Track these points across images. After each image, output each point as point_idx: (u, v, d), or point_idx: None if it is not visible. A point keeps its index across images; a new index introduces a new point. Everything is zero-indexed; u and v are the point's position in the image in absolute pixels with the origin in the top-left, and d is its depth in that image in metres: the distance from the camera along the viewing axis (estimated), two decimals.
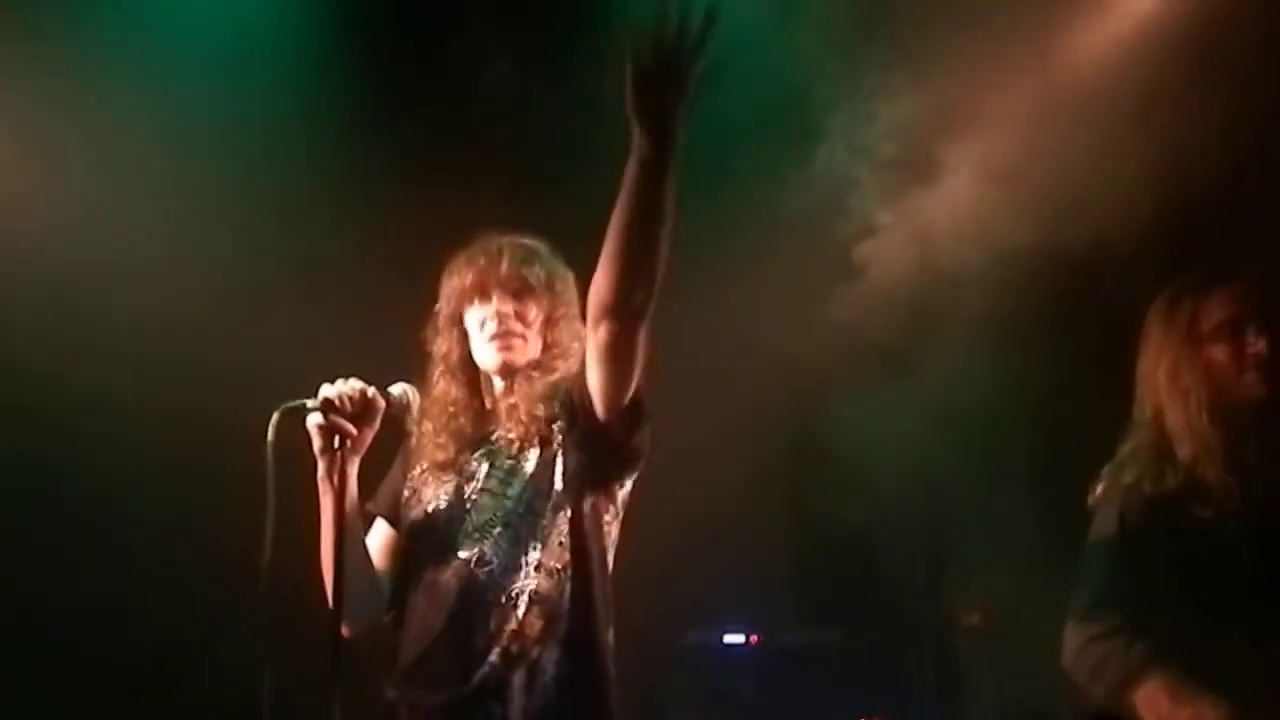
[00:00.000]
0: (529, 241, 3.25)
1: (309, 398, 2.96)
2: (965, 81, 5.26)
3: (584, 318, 2.99)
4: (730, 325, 5.35)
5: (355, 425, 2.98)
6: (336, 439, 2.96)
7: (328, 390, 2.98)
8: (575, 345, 3.18)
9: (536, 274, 3.19)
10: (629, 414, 3.00)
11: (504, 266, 3.18)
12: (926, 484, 5.71)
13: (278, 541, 2.77)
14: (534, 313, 3.19)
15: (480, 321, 3.19)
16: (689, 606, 5.49)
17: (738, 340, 5.34)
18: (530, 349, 3.19)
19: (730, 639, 5.48)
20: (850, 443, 5.53)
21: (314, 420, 2.96)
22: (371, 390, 3.02)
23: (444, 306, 3.24)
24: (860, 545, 5.70)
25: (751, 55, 5.29)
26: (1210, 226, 4.88)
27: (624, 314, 2.84)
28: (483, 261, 3.20)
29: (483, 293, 3.19)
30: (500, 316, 3.17)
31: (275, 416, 2.86)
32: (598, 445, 3.04)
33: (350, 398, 2.98)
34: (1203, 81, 4.97)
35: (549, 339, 3.20)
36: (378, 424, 3.05)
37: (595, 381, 2.96)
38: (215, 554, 4.67)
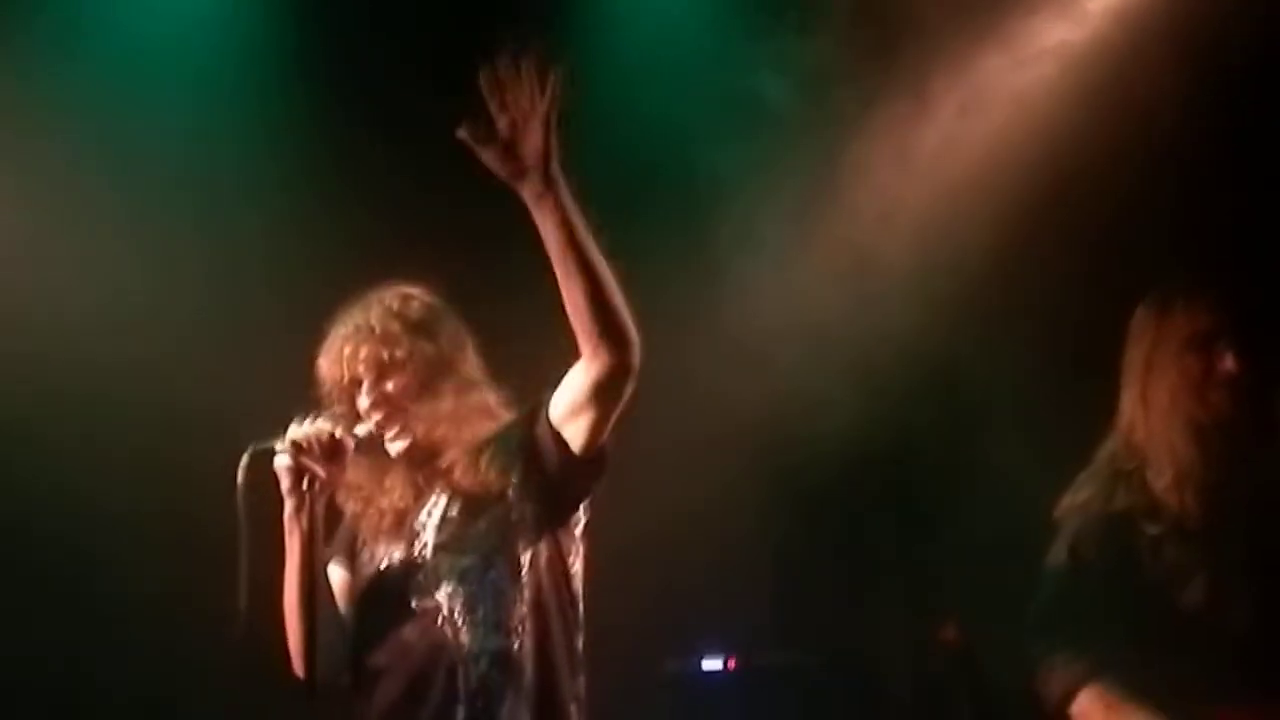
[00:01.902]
0: (379, 309, 3.17)
1: (278, 439, 2.97)
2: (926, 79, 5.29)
3: (480, 352, 3.08)
4: (704, 347, 5.35)
5: (323, 466, 2.98)
6: (305, 480, 2.96)
7: (295, 432, 2.98)
8: (473, 396, 3.15)
9: (386, 352, 3.11)
10: (597, 457, 3.00)
11: (355, 357, 3.11)
12: (902, 499, 5.73)
13: (251, 586, 2.77)
14: (406, 388, 3.12)
15: (365, 409, 3.13)
16: (665, 633, 5.47)
17: (712, 359, 5.34)
18: (422, 420, 3.13)
19: (708, 664, 5.46)
20: (825, 461, 5.55)
21: (282, 461, 2.96)
22: (339, 431, 3.02)
23: (330, 397, 3.16)
24: (836, 564, 5.71)
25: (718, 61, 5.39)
26: (1187, 234, 4.91)
27: (612, 348, 2.85)
28: (336, 353, 3.14)
29: (352, 383, 3.13)
30: (375, 407, 3.11)
31: (245, 459, 2.88)
32: (555, 492, 3.03)
33: (318, 439, 2.98)
34: (1174, 85, 5.02)
35: (435, 403, 3.13)
36: (346, 464, 3.05)
37: (574, 432, 2.95)
38: (186, 601, 4.66)
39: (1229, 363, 3.20)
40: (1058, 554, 3.29)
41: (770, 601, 5.68)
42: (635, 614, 5.10)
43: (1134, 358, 3.31)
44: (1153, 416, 3.24)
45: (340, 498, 3.15)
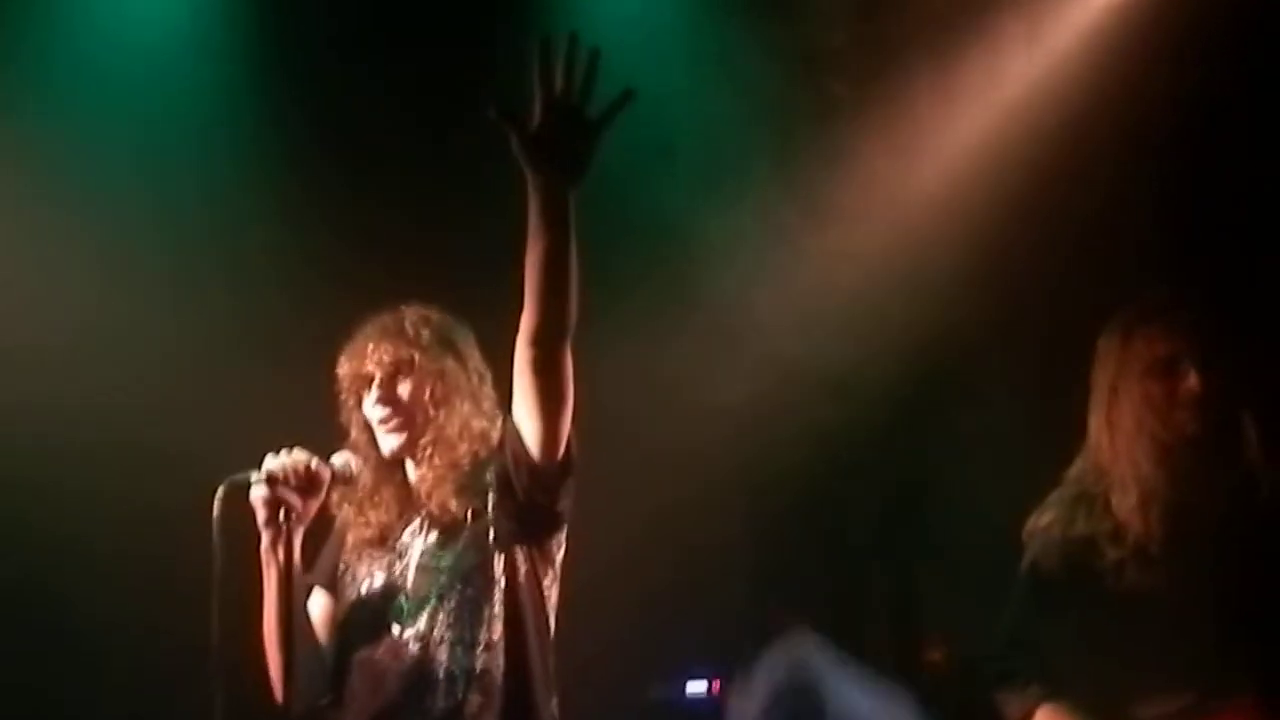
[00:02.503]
0: (415, 315, 3.21)
1: (254, 470, 2.94)
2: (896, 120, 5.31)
3: (495, 382, 3.06)
4: (683, 371, 5.35)
5: (300, 498, 2.96)
6: (281, 512, 2.94)
7: (271, 463, 2.96)
8: (477, 423, 3.16)
9: (418, 355, 3.14)
10: (563, 466, 2.99)
11: (381, 350, 3.14)
12: (887, 524, 5.73)
13: (225, 618, 2.74)
14: (419, 393, 3.14)
15: (370, 408, 3.16)
16: (649, 658, 5.46)
17: (691, 386, 5.33)
18: (420, 429, 3.14)
19: (693, 688, 5.44)
20: (806, 484, 5.55)
21: (258, 493, 2.94)
22: (315, 461, 3.00)
23: (344, 394, 3.20)
24: (821, 586, 5.70)
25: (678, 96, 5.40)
26: (1153, 255, 4.94)
27: (545, 339, 2.86)
28: (360, 348, 3.17)
29: (366, 379, 3.16)
30: (381, 402, 3.13)
31: (220, 490, 2.85)
32: (528, 511, 3.03)
33: (294, 470, 2.96)
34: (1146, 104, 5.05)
35: (440, 416, 3.15)
36: (323, 496, 3.04)
37: (530, 428, 2.97)
38: (158, 633, 4.63)
39: (1192, 383, 3.21)
40: (1021, 576, 3.31)
41: (755, 624, 5.65)
42: (620, 638, 5.09)
43: (1099, 382, 3.33)
44: (1118, 438, 3.25)
45: (332, 504, 3.15)
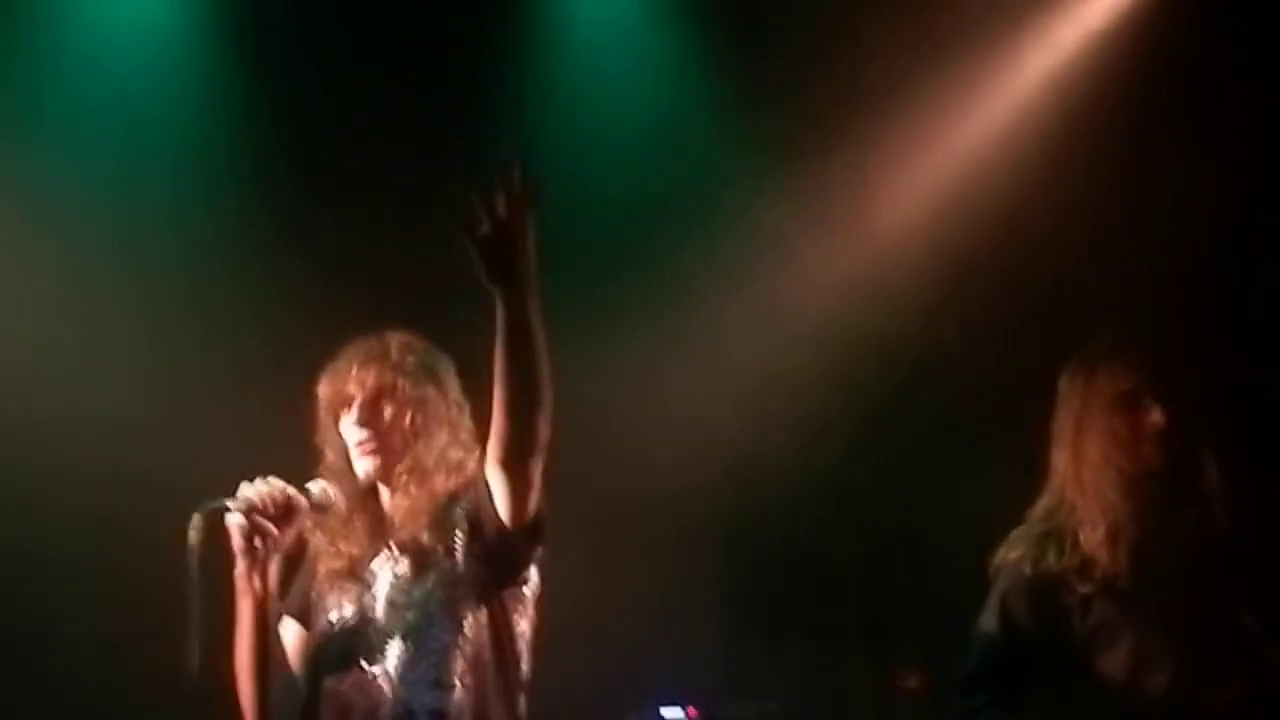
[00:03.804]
0: (398, 342, 3.20)
1: (230, 497, 2.93)
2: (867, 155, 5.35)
3: (473, 419, 3.05)
4: (654, 396, 5.35)
5: (276, 526, 2.96)
6: (257, 540, 2.93)
7: (248, 491, 2.95)
8: (454, 453, 3.14)
9: (400, 381, 3.13)
10: (532, 528, 3.00)
11: (363, 373, 3.13)
12: (860, 547, 5.73)
13: (201, 646, 2.74)
14: (399, 419, 3.12)
15: (349, 429, 3.14)
16: (623, 683, 5.45)
17: (662, 411, 5.34)
18: (398, 455, 3.12)
19: (667, 714, 5.43)
20: (782, 508, 5.54)
21: (234, 521, 2.93)
22: (292, 490, 2.99)
23: (322, 417, 3.18)
24: (794, 611, 5.70)
25: (659, 134, 5.44)
26: (1115, 291, 4.99)
27: (513, 459, 2.91)
28: (343, 369, 3.15)
29: (345, 401, 3.14)
30: (361, 424, 3.12)
31: (196, 517, 2.84)
32: (496, 559, 3.03)
33: (271, 499, 2.95)
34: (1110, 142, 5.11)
35: (418, 445, 3.13)
36: (299, 524, 3.03)
37: (500, 493, 2.98)
38: (131, 659, 4.61)
39: (1155, 417, 3.25)
40: (988, 612, 3.33)
41: (731, 651, 5.65)
42: (594, 665, 5.08)
43: (1064, 418, 3.36)
44: (1085, 472, 3.28)
45: (306, 531, 3.13)
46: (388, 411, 3.11)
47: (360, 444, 3.11)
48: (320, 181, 5.31)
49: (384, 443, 3.11)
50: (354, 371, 3.13)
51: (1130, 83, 5.14)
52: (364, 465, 3.12)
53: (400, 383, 3.12)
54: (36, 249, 5.03)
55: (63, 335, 4.99)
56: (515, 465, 2.91)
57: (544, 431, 2.90)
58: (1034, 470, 3.50)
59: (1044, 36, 5.34)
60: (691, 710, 5.44)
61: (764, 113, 5.50)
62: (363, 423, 3.11)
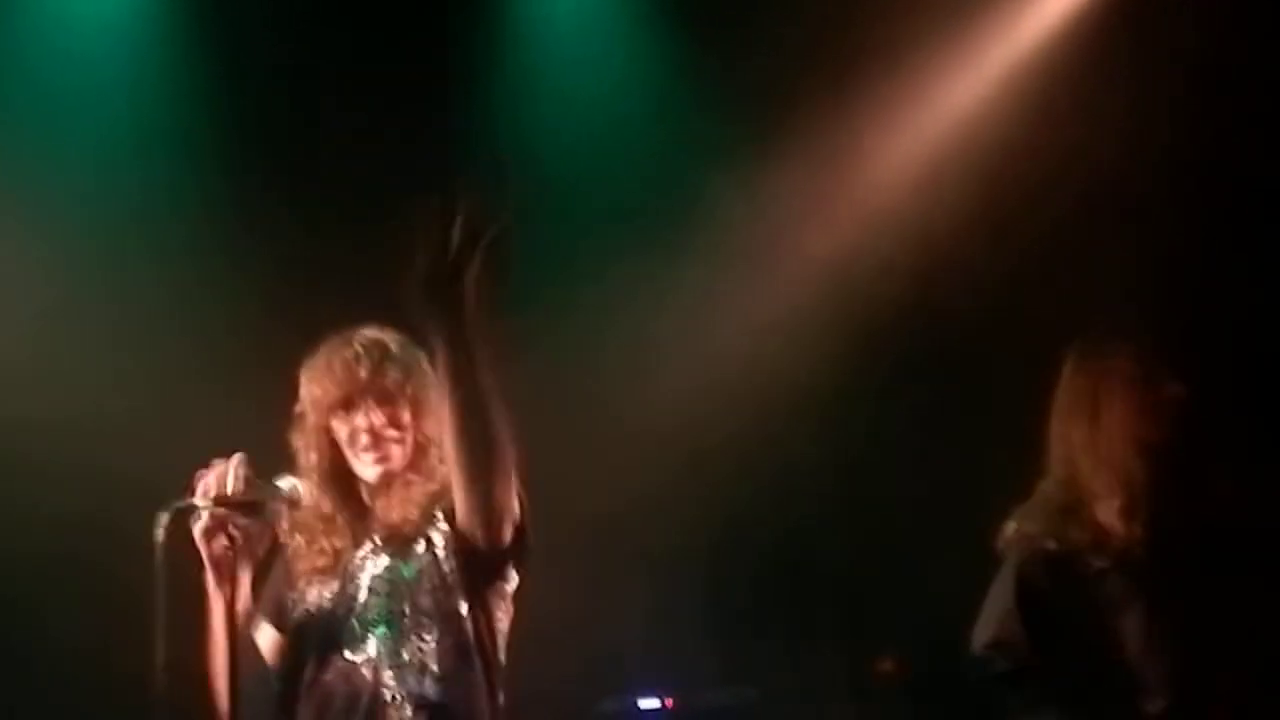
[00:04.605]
0: (382, 337, 3.17)
1: (198, 496, 2.89)
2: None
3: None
4: (632, 392, 5.35)
5: (245, 523, 2.91)
6: (225, 539, 2.89)
7: (208, 478, 2.90)
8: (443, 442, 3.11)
9: (396, 377, 3.11)
10: (511, 546, 3.02)
11: (364, 374, 3.10)
12: (836, 535, 5.74)
13: (170, 644, 2.71)
14: (403, 416, 3.12)
15: (349, 434, 3.12)
16: (600, 673, 5.45)
17: (640, 407, 5.34)
18: (406, 452, 3.12)
19: (645, 704, 5.43)
20: (761, 495, 5.55)
21: (202, 522, 2.89)
22: (260, 486, 2.95)
23: (308, 416, 3.15)
24: (772, 599, 5.70)
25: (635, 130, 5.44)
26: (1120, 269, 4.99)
27: (483, 523, 2.95)
28: (341, 370, 3.11)
29: (347, 404, 3.11)
30: (371, 428, 3.10)
31: (163, 516, 2.80)
32: (479, 567, 3.05)
33: (239, 496, 2.90)
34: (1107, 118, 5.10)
35: (420, 438, 3.13)
36: (269, 519, 2.99)
37: (475, 535, 3.01)
38: (104, 655, 4.58)
39: (1175, 390, 3.27)
40: (1003, 584, 3.32)
41: (707, 639, 5.65)
42: (571, 655, 5.07)
43: (1076, 393, 3.37)
44: (1103, 444, 3.29)
45: (282, 533, 3.11)
46: (392, 410, 3.10)
47: (370, 448, 3.10)
48: (291, 177, 5.30)
49: (396, 441, 3.11)
50: (339, 370, 3.10)
51: (1115, 68, 5.12)
52: (375, 469, 3.11)
53: (391, 377, 3.11)
54: (6, 249, 5.01)
55: (35, 334, 4.98)
56: (482, 528, 2.96)
57: (505, 498, 2.94)
58: (1015, 454, 3.51)
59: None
60: (669, 701, 5.45)
61: (742, 107, 5.49)
62: (362, 421, 3.09)
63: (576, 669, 5.20)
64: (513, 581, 3.13)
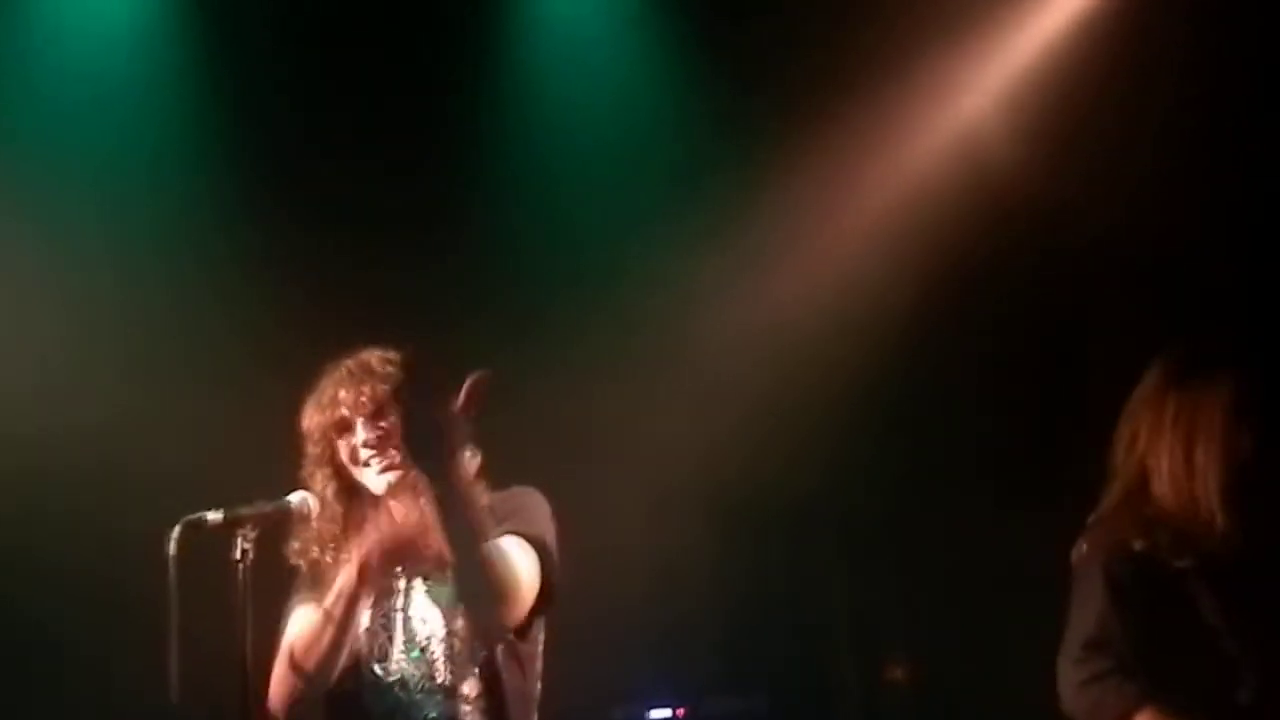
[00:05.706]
0: (365, 358, 3.18)
1: (210, 510, 2.90)
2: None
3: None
4: (642, 398, 5.36)
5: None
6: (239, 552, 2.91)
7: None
8: None
9: (383, 390, 3.12)
10: (534, 614, 3.08)
11: (353, 394, 3.12)
12: (846, 543, 5.74)
13: (182, 655, 2.73)
14: (398, 424, 3.10)
15: (350, 452, 3.13)
16: (613, 683, 5.45)
17: (648, 413, 5.35)
18: (408, 466, 3.10)
19: (657, 713, 5.43)
20: (766, 504, 5.55)
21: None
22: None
23: (312, 447, 3.16)
24: (781, 608, 5.71)
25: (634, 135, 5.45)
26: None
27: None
28: (332, 397, 3.14)
29: (344, 426, 3.13)
30: (369, 441, 3.11)
31: (175, 530, 2.82)
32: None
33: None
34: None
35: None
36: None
37: None
38: (117, 664, 4.61)
39: (1268, 410, 3.30)
40: (1092, 586, 3.30)
41: (718, 647, 5.66)
42: (583, 663, 5.06)
43: (1166, 406, 3.38)
44: (1197, 456, 3.31)
45: (305, 549, 3.13)
46: (378, 420, 3.11)
47: (364, 455, 3.11)
48: (297, 186, 5.30)
49: (383, 446, 3.10)
50: (343, 395, 3.12)
51: (1116, 80, 5.13)
52: (380, 481, 3.12)
53: (379, 390, 3.11)
54: (17, 259, 5.02)
55: (50, 347, 5.01)
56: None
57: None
58: (1030, 460, 3.51)
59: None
60: (681, 710, 5.45)
61: (746, 111, 5.50)
62: (369, 440, 3.10)
63: (588, 682, 5.20)
64: (540, 626, 3.17)
